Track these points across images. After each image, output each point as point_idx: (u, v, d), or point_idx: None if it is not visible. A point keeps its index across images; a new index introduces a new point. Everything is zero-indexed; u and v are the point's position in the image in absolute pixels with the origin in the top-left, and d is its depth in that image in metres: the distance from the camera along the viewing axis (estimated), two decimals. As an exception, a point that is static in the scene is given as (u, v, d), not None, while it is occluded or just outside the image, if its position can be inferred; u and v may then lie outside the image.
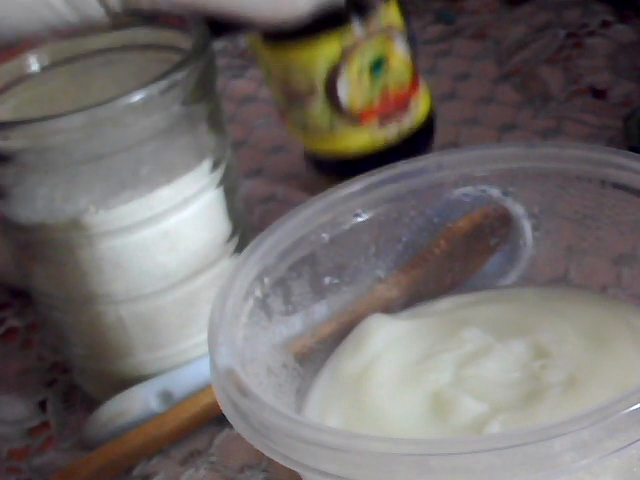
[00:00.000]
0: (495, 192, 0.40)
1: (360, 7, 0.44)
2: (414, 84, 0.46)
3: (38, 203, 0.44)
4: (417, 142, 0.50)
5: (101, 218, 0.44)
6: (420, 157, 0.40)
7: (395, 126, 0.45)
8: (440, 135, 0.61)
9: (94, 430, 0.48)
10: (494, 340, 0.37)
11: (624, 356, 0.35)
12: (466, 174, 0.39)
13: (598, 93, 0.63)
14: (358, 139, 0.45)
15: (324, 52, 0.44)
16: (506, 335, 0.37)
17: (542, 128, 0.61)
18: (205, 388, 0.46)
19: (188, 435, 0.47)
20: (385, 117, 0.44)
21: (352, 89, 0.43)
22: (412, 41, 0.46)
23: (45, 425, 0.51)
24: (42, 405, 0.52)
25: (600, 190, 0.37)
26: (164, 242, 0.46)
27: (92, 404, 0.49)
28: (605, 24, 0.69)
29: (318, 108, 0.44)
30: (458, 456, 0.28)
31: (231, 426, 0.32)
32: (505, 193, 0.40)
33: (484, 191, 0.40)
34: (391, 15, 0.46)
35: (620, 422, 0.27)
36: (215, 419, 0.47)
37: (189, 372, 0.48)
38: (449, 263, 0.41)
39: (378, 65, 0.45)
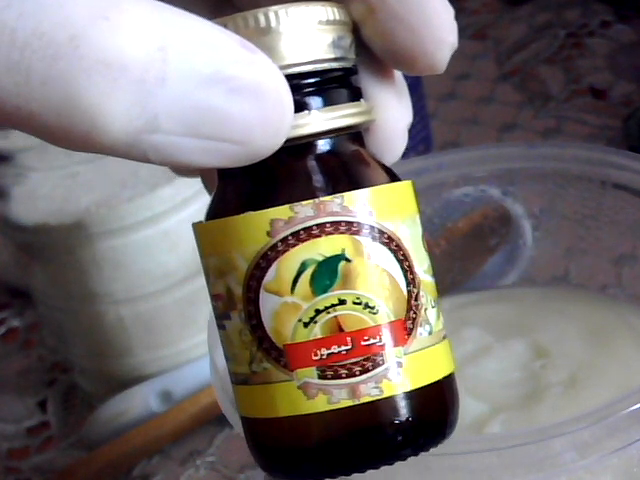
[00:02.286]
0: (495, 192, 0.40)
1: (325, 177, 0.25)
2: (403, 325, 0.24)
3: (38, 203, 0.44)
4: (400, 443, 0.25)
5: (101, 218, 0.44)
6: (420, 157, 0.40)
7: (347, 392, 0.24)
8: (440, 135, 0.61)
9: (94, 430, 0.48)
10: (494, 340, 0.37)
11: (624, 356, 0.35)
12: (466, 174, 0.39)
13: (598, 93, 0.63)
14: (284, 398, 0.24)
15: (243, 233, 0.25)
16: (506, 335, 0.37)
17: (542, 128, 0.61)
18: (205, 388, 0.46)
19: (188, 435, 0.47)
20: (329, 369, 0.24)
21: (281, 306, 0.24)
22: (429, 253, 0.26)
23: (45, 425, 0.51)
24: (42, 405, 0.52)
25: (600, 190, 0.37)
26: (164, 242, 0.46)
27: (92, 404, 0.49)
28: (605, 24, 0.69)
29: (236, 331, 0.25)
30: (458, 456, 0.28)
31: (231, 426, 0.32)
32: (505, 193, 0.40)
33: (484, 191, 0.40)
34: (365, 198, 0.25)
35: (620, 422, 0.27)
36: (215, 419, 0.47)
37: (189, 372, 0.48)
38: (449, 263, 0.41)
39: (328, 270, 0.24)
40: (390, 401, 0.24)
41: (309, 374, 0.24)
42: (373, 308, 0.24)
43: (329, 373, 0.24)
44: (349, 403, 0.24)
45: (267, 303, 0.24)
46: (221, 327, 0.25)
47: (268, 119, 0.24)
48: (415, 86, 0.56)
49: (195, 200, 0.46)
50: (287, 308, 0.24)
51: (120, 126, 0.23)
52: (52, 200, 0.44)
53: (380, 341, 0.24)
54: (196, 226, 0.26)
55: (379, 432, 0.24)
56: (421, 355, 0.25)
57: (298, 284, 0.24)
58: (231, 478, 0.46)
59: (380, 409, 0.24)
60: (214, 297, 0.26)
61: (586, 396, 0.34)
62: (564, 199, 0.39)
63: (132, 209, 0.44)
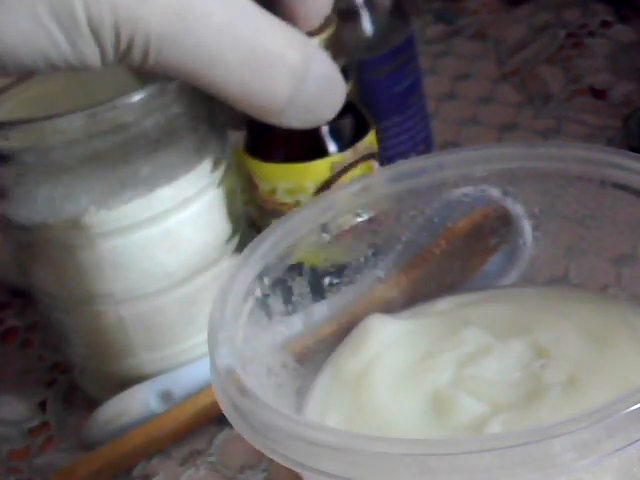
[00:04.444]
0: (495, 192, 0.40)
1: (354, 131, 0.45)
2: None
3: (38, 203, 0.44)
4: None
5: (101, 218, 0.44)
6: (420, 157, 0.40)
7: None
8: (440, 135, 0.61)
9: (94, 430, 0.48)
10: (494, 340, 0.37)
11: (624, 356, 0.35)
12: (466, 174, 0.39)
13: (598, 93, 0.63)
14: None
15: (314, 171, 0.44)
16: (506, 335, 0.37)
17: (542, 128, 0.61)
18: (205, 388, 0.46)
19: (188, 435, 0.47)
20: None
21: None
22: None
23: (45, 425, 0.51)
24: (42, 405, 0.52)
25: (600, 190, 0.37)
26: (164, 242, 0.46)
27: (92, 404, 0.49)
28: (605, 24, 0.69)
29: None
30: (458, 456, 0.28)
31: (231, 426, 0.32)
32: (505, 193, 0.40)
33: (484, 191, 0.40)
34: (373, 139, 0.46)
35: (620, 422, 0.27)
36: (215, 419, 0.47)
37: (189, 372, 0.48)
38: (449, 263, 0.41)
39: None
40: None
41: None
42: None
43: None
44: None
45: None
46: None
47: (341, 99, 0.41)
48: (415, 86, 0.56)
49: (195, 200, 0.46)
50: None
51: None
52: (52, 200, 0.44)
53: None
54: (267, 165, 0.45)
55: None
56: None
57: None
58: (231, 478, 0.46)
59: None
60: (281, 204, 0.45)
61: (586, 396, 0.34)
62: (564, 199, 0.39)
63: (132, 209, 0.44)
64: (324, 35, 0.43)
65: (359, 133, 0.45)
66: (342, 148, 0.44)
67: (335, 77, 0.41)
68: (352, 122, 0.45)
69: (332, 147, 0.44)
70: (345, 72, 0.43)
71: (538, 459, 0.27)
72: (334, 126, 0.44)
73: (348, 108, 0.44)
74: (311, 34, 0.42)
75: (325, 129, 0.44)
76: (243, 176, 0.48)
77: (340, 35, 0.44)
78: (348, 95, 0.43)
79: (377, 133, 0.47)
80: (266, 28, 0.38)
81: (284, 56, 0.38)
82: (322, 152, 0.44)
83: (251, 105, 0.39)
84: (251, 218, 0.49)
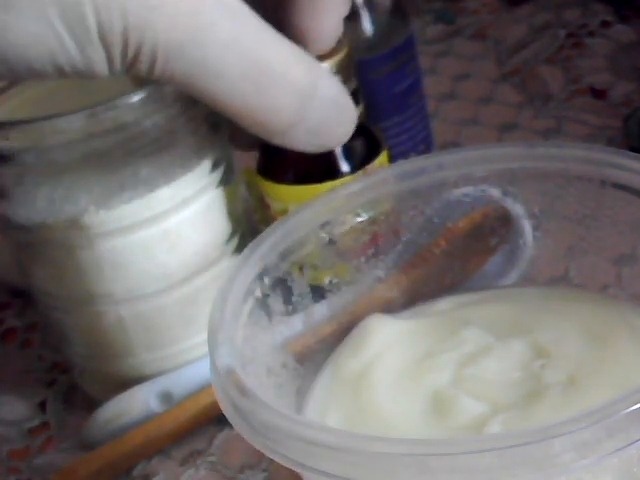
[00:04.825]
0: (495, 192, 0.40)
1: (365, 153, 0.46)
2: None
3: (38, 203, 0.44)
4: None
5: (101, 218, 0.44)
6: (420, 157, 0.40)
7: None
8: (440, 135, 0.61)
9: (94, 430, 0.48)
10: (494, 340, 0.37)
11: (624, 356, 0.35)
12: (466, 174, 0.39)
13: (598, 93, 0.63)
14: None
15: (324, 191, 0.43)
16: (506, 335, 0.37)
17: (542, 128, 0.61)
18: (205, 388, 0.46)
19: (188, 435, 0.47)
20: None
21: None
22: None
23: (45, 425, 0.51)
24: (42, 405, 0.52)
25: (600, 190, 0.37)
26: (164, 242, 0.46)
27: (92, 404, 0.49)
28: (605, 24, 0.69)
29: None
30: (458, 456, 0.28)
31: (231, 426, 0.32)
32: (505, 193, 0.40)
33: (484, 191, 0.40)
34: (385, 160, 0.46)
35: (620, 422, 0.27)
36: (215, 419, 0.47)
37: (189, 372, 0.48)
38: (449, 263, 0.41)
39: None
40: None
41: None
42: None
43: None
44: None
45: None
46: None
47: (351, 124, 0.41)
48: (415, 86, 0.56)
49: (195, 200, 0.46)
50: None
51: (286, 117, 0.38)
52: (52, 200, 0.44)
53: None
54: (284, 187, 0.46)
55: None
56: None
57: None
58: (231, 478, 0.46)
59: None
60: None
61: (586, 396, 0.34)
62: (564, 199, 0.39)
63: (132, 210, 0.44)
64: (335, 59, 0.43)
65: (370, 155, 0.45)
66: (353, 170, 0.45)
67: (345, 102, 0.40)
68: (364, 144, 0.46)
69: (344, 169, 0.45)
70: (355, 96, 0.43)
71: (538, 459, 0.27)
72: (346, 148, 0.45)
73: (360, 129, 0.44)
74: (322, 58, 0.42)
75: (337, 151, 0.45)
76: (255, 196, 0.48)
77: (351, 59, 0.44)
78: (359, 117, 0.43)
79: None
80: (271, 45, 0.38)
81: (288, 74, 0.38)
82: (334, 174, 0.45)
83: (254, 122, 0.38)
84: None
